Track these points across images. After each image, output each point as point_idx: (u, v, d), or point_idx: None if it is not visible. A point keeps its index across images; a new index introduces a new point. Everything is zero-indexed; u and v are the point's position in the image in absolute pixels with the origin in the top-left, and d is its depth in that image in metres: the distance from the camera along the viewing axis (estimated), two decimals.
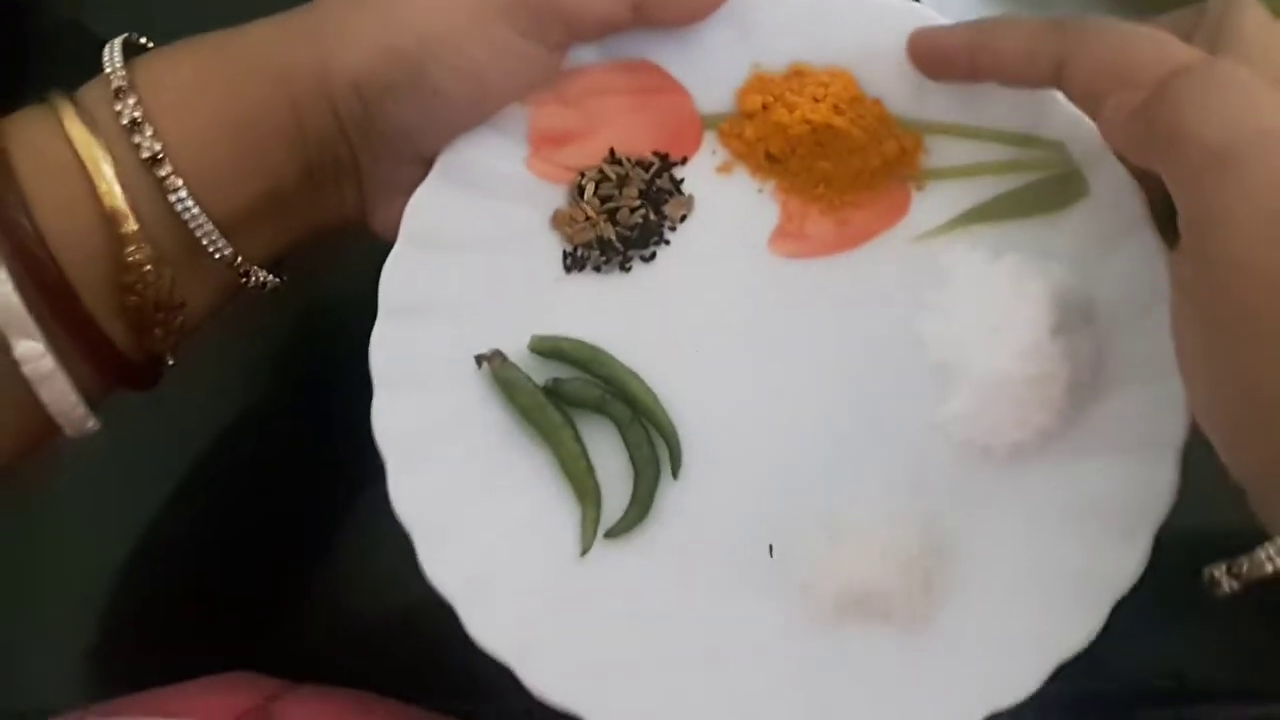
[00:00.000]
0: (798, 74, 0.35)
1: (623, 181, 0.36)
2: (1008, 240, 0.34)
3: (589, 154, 0.36)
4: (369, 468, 0.33)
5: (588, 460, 0.34)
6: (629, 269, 0.36)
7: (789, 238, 0.35)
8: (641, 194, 0.36)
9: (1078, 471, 0.32)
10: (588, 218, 0.35)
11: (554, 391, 0.35)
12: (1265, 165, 0.24)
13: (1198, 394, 0.27)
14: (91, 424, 0.32)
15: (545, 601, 0.33)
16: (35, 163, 0.30)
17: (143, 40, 0.33)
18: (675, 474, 0.34)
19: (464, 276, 0.35)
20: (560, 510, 0.34)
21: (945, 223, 0.35)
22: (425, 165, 0.34)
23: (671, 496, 0.34)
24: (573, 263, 0.36)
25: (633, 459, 0.34)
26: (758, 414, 0.34)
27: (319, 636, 0.43)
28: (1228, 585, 0.26)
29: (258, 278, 0.34)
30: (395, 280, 0.34)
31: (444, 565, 0.32)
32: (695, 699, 0.32)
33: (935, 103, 0.34)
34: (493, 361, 0.34)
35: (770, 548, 0.33)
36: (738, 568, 0.33)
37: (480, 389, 0.35)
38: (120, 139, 0.30)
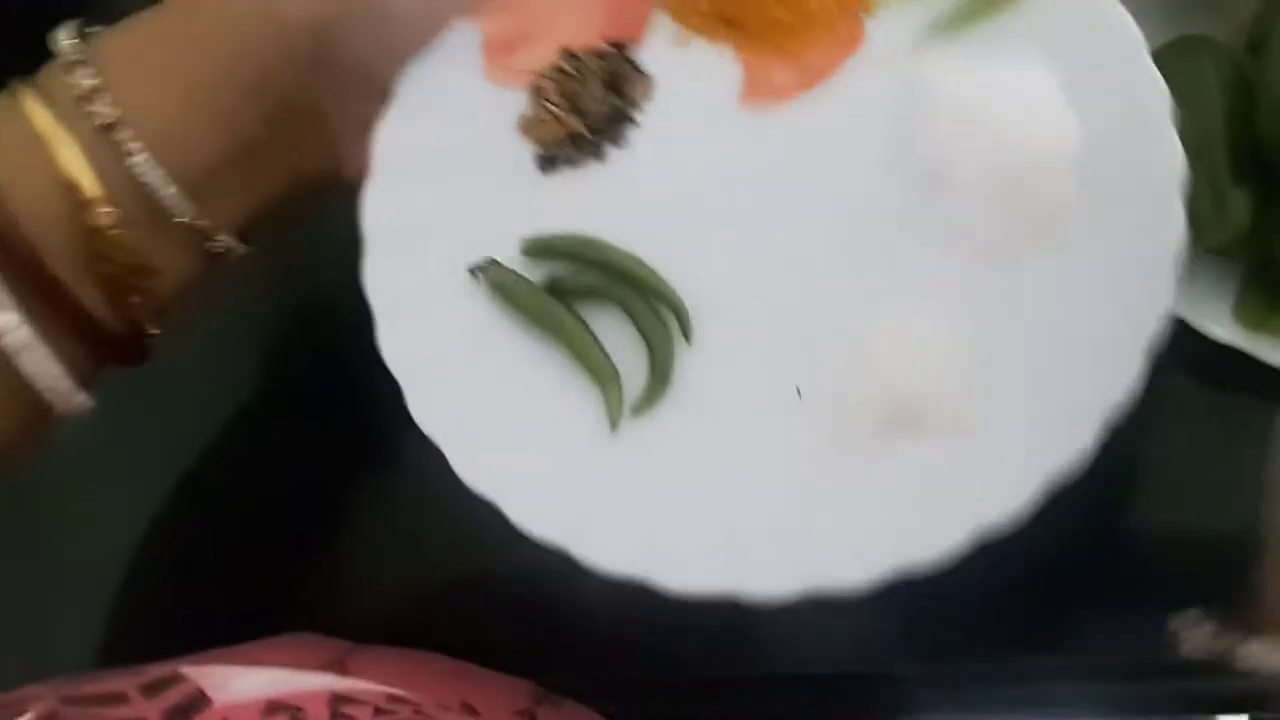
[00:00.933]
0: None
1: (582, 74, 0.36)
2: (973, 44, 0.34)
3: (543, 55, 0.36)
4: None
5: (600, 346, 0.34)
6: (604, 158, 0.35)
7: (757, 91, 0.35)
8: (603, 83, 0.36)
9: (1078, 273, 0.32)
10: (555, 116, 0.36)
11: (554, 288, 0.34)
12: None
13: None
14: (81, 399, 0.32)
15: (585, 482, 0.32)
16: None
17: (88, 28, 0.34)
18: (688, 339, 0.34)
19: (444, 196, 0.35)
20: (582, 398, 0.33)
21: (907, 41, 0.34)
22: (387, 99, 0.35)
23: (689, 363, 0.33)
24: (546, 163, 0.36)
25: (644, 335, 0.34)
26: (760, 264, 0.34)
27: (377, 602, 0.42)
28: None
29: (223, 242, 0.34)
30: (376, 211, 0.34)
31: (481, 470, 0.32)
32: (750, 542, 0.31)
33: None
34: (487, 271, 0.34)
35: (797, 389, 0.33)
36: (768, 414, 0.32)
37: (481, 301, 0.34)
38: (76, 110, 0.31)
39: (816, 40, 0.35)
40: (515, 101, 0.36)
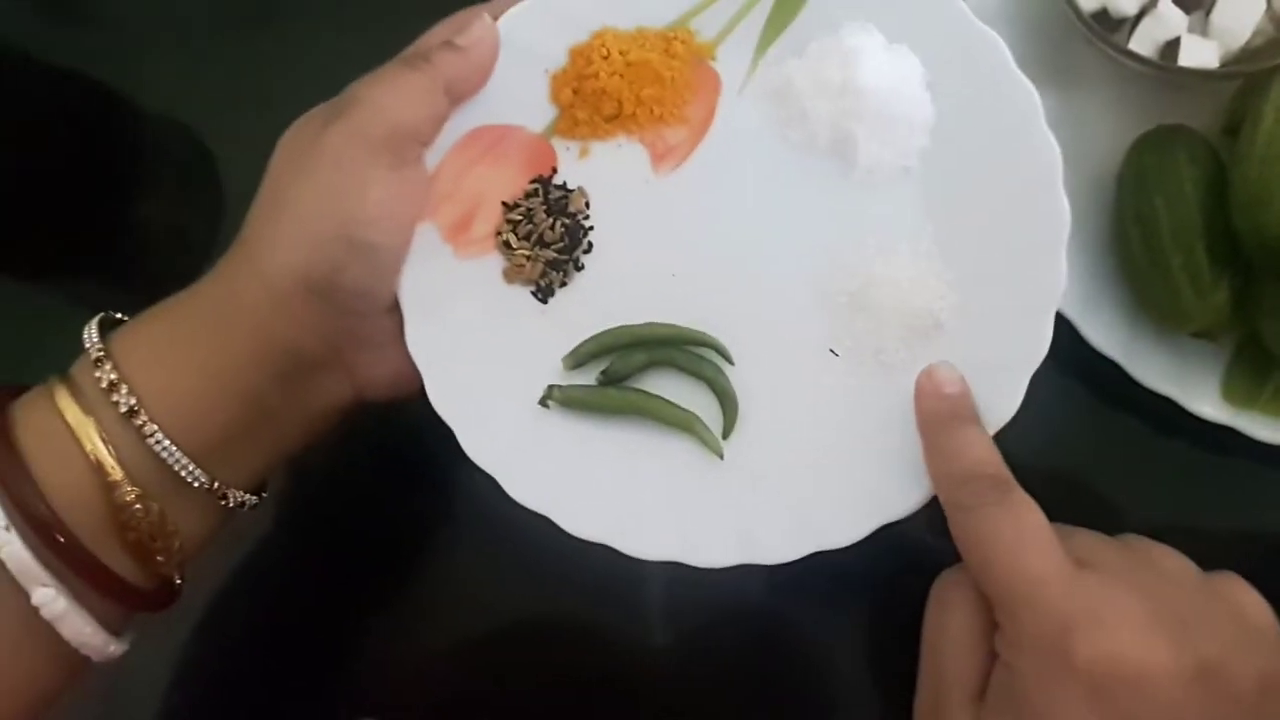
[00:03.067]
0: (576, 55, 0.42)
1: (529, 214, 0.42)
2: (798, 34, 0.42)
3: (491, 217, 0.42)
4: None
5: (674, 404, 0.40)
6: (582, 266, 0.42)
7: (664, 158, 0.42)
8: (547, 213, 0.42)
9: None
10: (525, 258, 0.42)
11: (609, 379, 0.40)
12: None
13: None
14: (114, 648, 0.37)
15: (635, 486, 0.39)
16: (36, 437, 0.35)
17: (117, 315, 0.39)
18: (731, 361, 0.40)
19: (483, 356, 0.40)
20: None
21: (750, 65, 0.42)
22: (390, 310, 0.40)
23: (737, 381, 0.40)
24: (542, 293, 0.42)
25: (704, 379, 0.40)
26: (749, 284, 0.41)
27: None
28: None
29: (236, 498, 0.38)
30: (437, 394, 0.39)
31: (528, 491, 0.38)
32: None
33: (673, 1, 0.42)
34: (553, 396, 0.40)
35: (833, 350, 0.40)
36: (829, 393, 0.40)
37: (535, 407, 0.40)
38: (102, 400, 0.36)
39: (685, 98, 0.42)
40: (494, 263, 0.42)
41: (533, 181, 0.42)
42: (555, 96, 0.42)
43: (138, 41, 0.55)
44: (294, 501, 0.49)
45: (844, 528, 0.37)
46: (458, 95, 0.41)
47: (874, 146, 0.40)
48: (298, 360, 0.38)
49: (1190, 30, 0.46)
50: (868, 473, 0.38)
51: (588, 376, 0.41)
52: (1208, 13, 0.46)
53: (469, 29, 0.40)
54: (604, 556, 0.38)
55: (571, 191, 0.42)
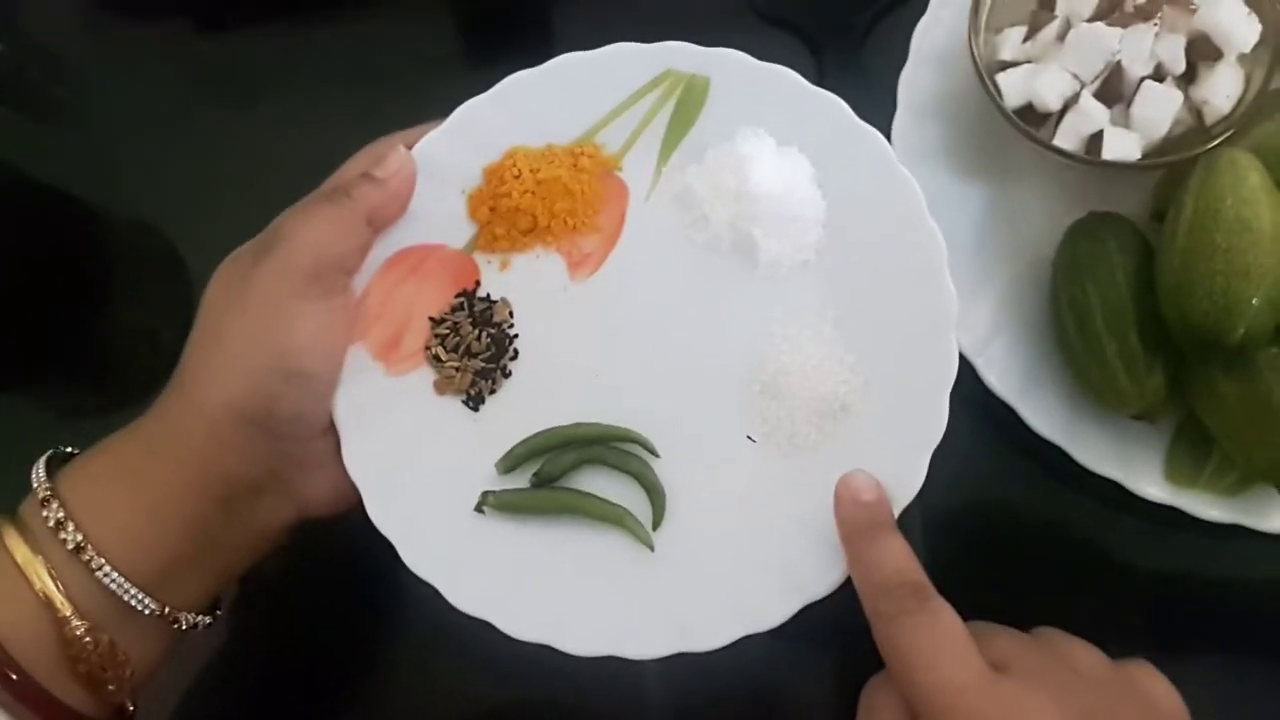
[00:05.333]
0: (490, 174, 0.45)
1: (455, 328, 0.44)
2: (696, 142, 0.45)
3: (419, 333, 0.44)
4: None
5: (605, 500, 0.42)
6: (510, 373, 0.44)
7: (579, 265, 0.45)
8: (473, 324, 0.44)
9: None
10: (455, 369, 0.44)
11: (543, 480, 0.42)
12: None
13: None
14: None
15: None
16: None
17: (68, 450, 0.41)
18: (656, 454, 0.42)
19: (416, 462, 0.42)
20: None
21: (654, 173, 0.45)
22: (326, 432, 0.42)
23: (663, 473, 0.42)
24: (473, 401, 0.44)
25: (631, 474, 0.42)
26: (668, 380, 0.43)
27: None
28: None
29: (188, 621, 0.40)
30: (377, 514, 0.41)
31: (468, 597, 0.40)
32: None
33: (579, 117, 0.45)
34: (489, 501, 0.42)
35: (750, 437, 0.42)
36: (748, 478, 0.42)
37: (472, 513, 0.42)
38: (49, 537, 0.37)
39: (596, 208, 0.45)
40: (424, 376, 0.44)
41: (457, 296, 0.45)
42: (473, 214, 0.45)
43: (104, 144, 0.56)
44: (247, 614, 0.50)
45: (770, 610, 0.39)
46: (379, 224, 0.43)
47: (772, 244, 0.43)
48: (238, 487, 0.40)
49: (1113, 123, 0.47)
50: (789, 554, 0.40)
51: (521, 480, 0.42)
52: (1128, 105, 0.47)
53: (386, 161, 0.43)
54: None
55: (495, 302, 0.45)
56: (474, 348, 0.44)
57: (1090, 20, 0.48)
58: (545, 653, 0.40)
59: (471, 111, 0.45)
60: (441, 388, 0.44)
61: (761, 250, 0.43)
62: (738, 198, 0.43)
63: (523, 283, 0.45)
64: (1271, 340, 0.42)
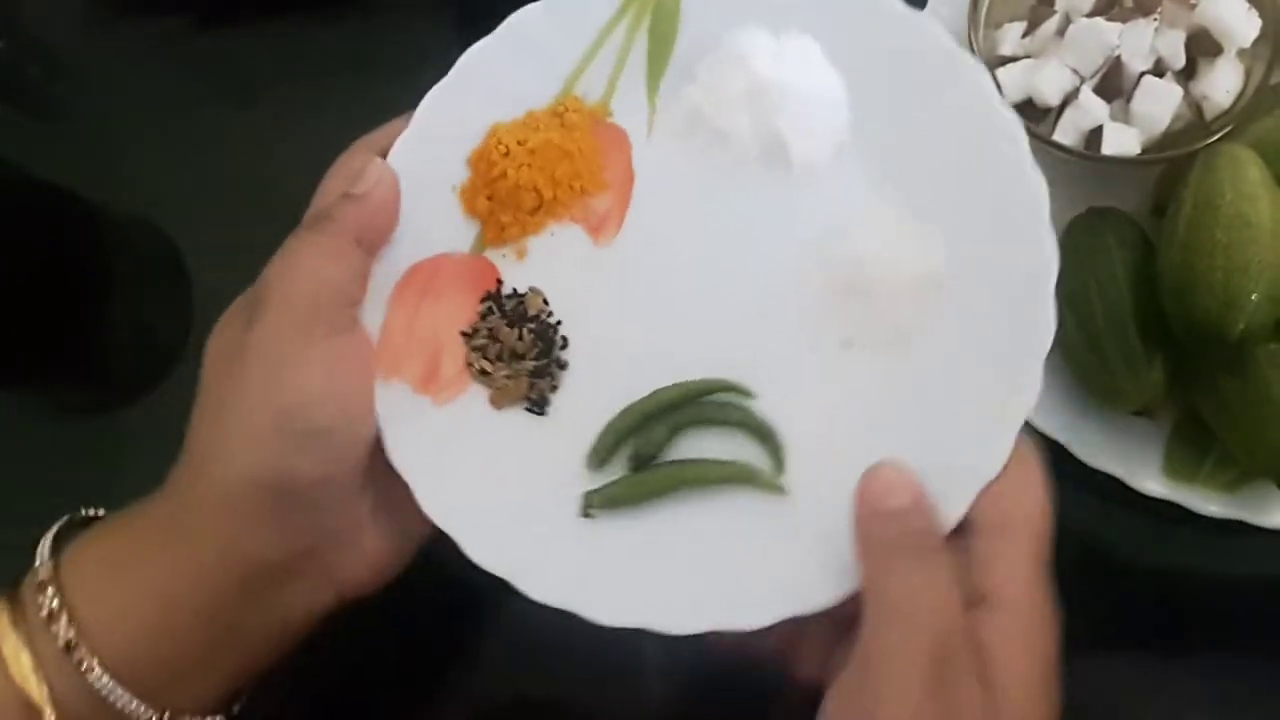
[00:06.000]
0: (476, 161, 0.41)
1: (493, 333, 0.39)
2: (683, 62, 0.41)
3: (456, 353, 0.39)
4: None
5: (718, 461, 0.37)
6: (565, 364, 0.39)
7: (600, 228, 0.41)
8: (510, 325, 0.40)
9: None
10: (506, 377, 0.39)
11: (642, 462, 0.38)
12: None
13: None
14: None
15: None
16: None
17: (88, 513, 0.37)
18: (752, 394, 0.38)
19: (496, 479, 0.38)
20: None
21: (647, 108, 0.41)
22: (358, 494, 0.37)
23: (766, 414, 0.38)
24: (537, 405, 0.39)
25: (733, 425, 0.38)
26: (735, 314, 0.39)
27: None
28: None
29: None
30: (449, 517, 0.37)
31: (609, 610, 0.35)
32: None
33: (550, 74, 0.41)
34: (594, 501, 0.37)
35: (845, 343, 0.38)
36: (860, 391, 0.37)
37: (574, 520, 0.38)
38: (42, 627, 0.34)
39: (599, 163, 0.41)
40: (477, 396, 0.39)
41: (483, 301, 0.40)
42: (471, 210, 0.41)
43: (103, 141, 0.56)
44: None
45: None
46: (372, 244, 0.38)
47: (801, 135, 0.39)
48: (261, 568, 0.35)
49: (1112, 118, 0.47)
50: (922, 464, 0.35)
51: (617, 469, 0.38)
52: (1128, 100, 0.47)
53: (363, 175, 0.38)
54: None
55: (524, 295, 0.40)
56: (519, 349, 0.39)
57: (1090, 15, 0.48)
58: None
59: (437, 101, 0.40)
60: (498, 401, 0.39)
61: (793, 146, 0.39)
62: (750, 98, 0.39)
63: (546, 266, 0.40)
64: (1271, 336, 0.42)
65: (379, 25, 0.53)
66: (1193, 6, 0.46)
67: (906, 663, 0.30)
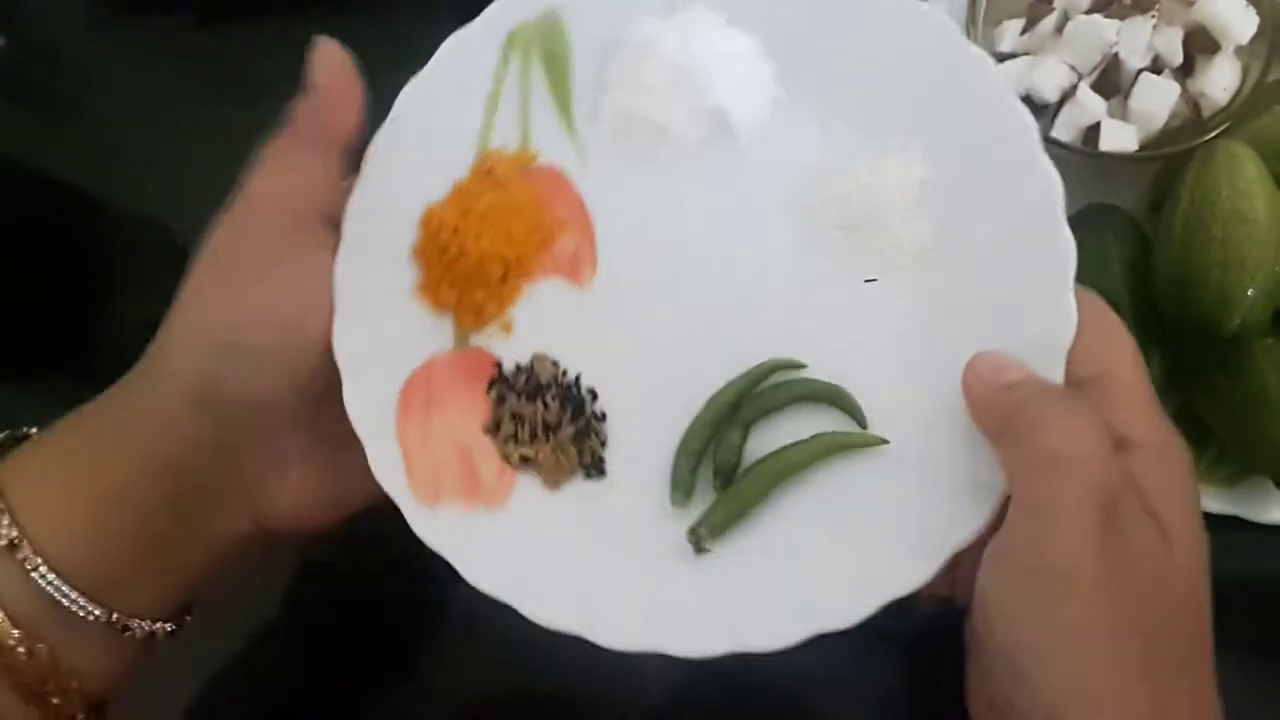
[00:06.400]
0: (423, 251, 0.37)
1: (517, 416, 0.36)
2: (587, 77, 0.39)
3: (487, 452, 0.36)
4: None
5: (803, 441, 0.35)
6: (603, 415, 0.36)
7: (577, 269, 0.38)
8: (530, 400, 0.36)
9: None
10: (553, 452, 0.36)
11: (727, 475, 0.35)
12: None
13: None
14: None
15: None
16: None
17: (29, 430, 0.36)
18: (804, 364, 0.36)
19: (580, 556, 0.35)
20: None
21: (569, 137, 0.39)
22: (297, 428, 0.35)
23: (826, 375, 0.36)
24: (594, 469, 0.36)
25: (800, 399, 0.36)
26: (752, 293, 0.37)
27: None
28: None
29: (142, 629, 0.35)
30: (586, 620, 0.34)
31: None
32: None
33: (459, 140, 0.38)
34: (702, 536, 0.34)
35: (870, 280, 0.36)
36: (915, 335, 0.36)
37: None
38: None
39: (547, 207, 0.38)
40: (529, 485, 0.36)
41: (490, 390, 0.37)
42: (437, 303, 0.37)
43: (106, 138, 0.56)
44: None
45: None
46: (335, 140, 0.36)
47: (738, 102, 0.37)
48: (188, 481, 0.35)
49: (1110, 114, 0.47)
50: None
51: (706, 495, 0.35)
52: (1126, 97, 0.47)
53: (314, 66, 0.36)
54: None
55: (531, 367, 0.37)
56: (550, 421, 0.36)
57: (1088, 12, 0.48)
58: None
59: (360, 217, 0.36)
60: (553, 481, 0.36)
61: (733, 115, 0.37)
62: (675, 83, 0.37)
63: (538, 328, 0.38)
64: (1267, 331, 0.42)
65: (381, 22, 0.52)
66: (1190, 4, 0.46)
67: (1078, 507, 0.28)
